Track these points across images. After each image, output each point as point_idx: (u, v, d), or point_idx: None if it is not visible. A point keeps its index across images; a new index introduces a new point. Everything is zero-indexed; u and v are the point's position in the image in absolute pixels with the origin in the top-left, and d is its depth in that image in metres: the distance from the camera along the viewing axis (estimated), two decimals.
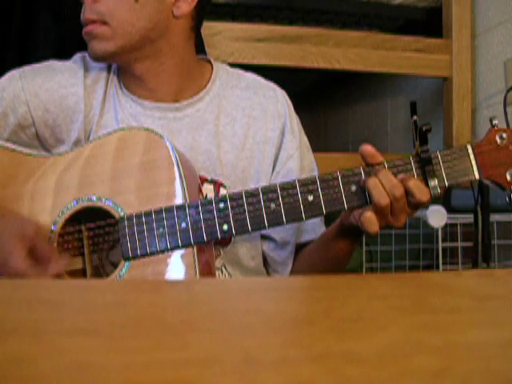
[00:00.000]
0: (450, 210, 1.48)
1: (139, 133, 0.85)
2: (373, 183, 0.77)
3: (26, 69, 0.96)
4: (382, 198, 0.77)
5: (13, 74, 0.95)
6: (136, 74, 0.94)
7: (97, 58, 0.92)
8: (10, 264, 0.73)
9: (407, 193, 0.77)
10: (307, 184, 0.80)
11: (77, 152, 0.87)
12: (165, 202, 0.82)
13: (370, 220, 0.78)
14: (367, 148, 0.80)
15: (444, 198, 1.46)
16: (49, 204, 0.84)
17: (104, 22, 0.88)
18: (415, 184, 0.77)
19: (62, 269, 0.76)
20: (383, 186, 0.77)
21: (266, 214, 0.80)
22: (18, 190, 0.86)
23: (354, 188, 0.80)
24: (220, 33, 1.50)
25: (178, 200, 0.81)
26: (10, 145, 0.89)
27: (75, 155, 0.86)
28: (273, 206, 0.80)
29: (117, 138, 0.85)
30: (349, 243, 0.89)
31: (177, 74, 0.96)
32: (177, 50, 0.95)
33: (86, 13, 0.90)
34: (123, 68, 0.96)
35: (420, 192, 0.77)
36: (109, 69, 0.98)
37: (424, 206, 0.80)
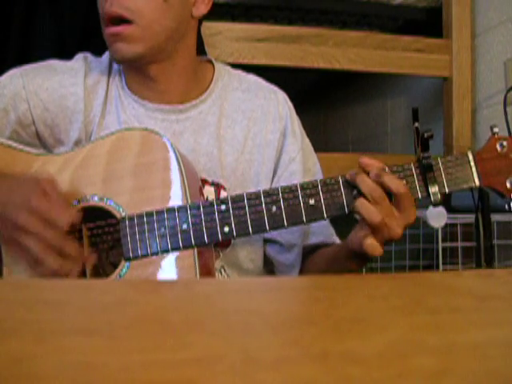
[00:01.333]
0: (450, 210, 1.48)
1: (142, 134, 0.85)
2: (360, 203, 0.77)
3: (27, 67, 0.96)
4: (373, 215, 0.77)
5: (14, 72, 0.95)
6: (149, 75, 0.94)
7: (123, 61, 0.91)
8: (33, 200, 0.76)
9: (389, 193, 0.78)
10: (308, 188, 0.81)
11: (78, 151, 0.87)
12: (166, 203, 0.82)
13: (372, 246, 0.78)
14: (364, 160, 0.80)
15: (444, 199, 1.46)
16: None
17: (130, 21, 0.86)
18: (389, 178, 0.77)
19: (70, 219, 0.78)
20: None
21: (267, 216, 0.80)
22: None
23: (354, 192, 0.80)
24: (220, 33, 1.50)
25: (180, 201, 0.81)
26: (12, 143, 0.89)
27: (77, 154, 0.86)
28: (274, 208, 0.80)
29: (120, 138, 0.85)
30: (359, 263, 0.88)
31: (185, 75, 0.96)
32: (189, 50, 0.96)
33: (113, 6, 0.86)
34: (133, 68, 0.95)
35: (394, 184, 0.77)
36: (110, 69, 0.98)
37: (412, 219, 0.80)
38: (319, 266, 0.97)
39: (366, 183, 0.78)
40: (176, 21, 0.90)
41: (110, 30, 0.87)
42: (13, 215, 0.76)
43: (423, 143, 0.80)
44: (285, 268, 0.99)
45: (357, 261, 0.86)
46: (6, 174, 0.83)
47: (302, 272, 0.99)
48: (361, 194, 0.79)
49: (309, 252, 0.99)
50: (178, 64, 0.94)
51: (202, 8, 0.94)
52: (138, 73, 0.95)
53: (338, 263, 0.90)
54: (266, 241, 0.98)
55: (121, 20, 0.86)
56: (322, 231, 0.99)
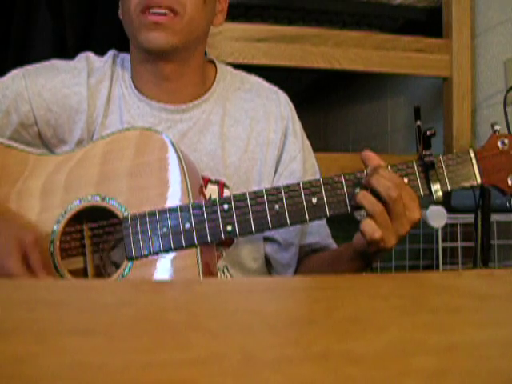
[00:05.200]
0: (450, 210, 1.48)
1: (143, 133, 0.85)
2: (361, 196, 0.78)
3: (30, 68, 0.96)
4: (372, 207, 0.77)
5: (16, 73, 0.95)
6: (164, 73, 0.94)
7: (156, 50, 0.89)
8: (6, 266, 0.75)
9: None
10: (311, 186, 0.81)
11: (80, 152, 0.87)
12: (168, 202, 0.82)
13: (369, 225, 0.76)
14: (367, 153, 0.81)
15: (444, 198, 1.47)
16: (52, 203, 0.84)
17: (175, 13, 0.87)
18: (376, 180, 0.77)
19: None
20: (377, 190, 0.77)
21: (269, 215, 0.81)
22: (21, 189, 0.86)
23: (357, 191, 0.80)
24: (220, 33, 1.50)
25: (183, 200, 0.82)
26: (12, 143, 0.90)
27: (79, 155, 0.87)
28: (277, 207, 0.81)
29: (121, 137, 0.85)
30: (361, 265, 0.88)
31: (196, 76, 0.97)
32: (202, 54, 0.98)
33: None
34: (146, 66, 0.94)
35: (382, 187, 0.77)
36: (113, 69, 0.98)
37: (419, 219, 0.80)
38: (318, 267, 0.97)
39: (368, 200, 0.78)
40: (206, 23, 0.94)
41: (152, 18, 0.86)
42: None
43: (425, 141, 0.81)
44: (280, 267, 0.99)
45: (360, 262, 0.86)
46: None
47: (297, 273, 0.99)
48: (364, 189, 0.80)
49: (305, 253, 0.99)
50: (192, 65, 0.96)
51: (220, 18, 0.98)
52: (151, 71, 0.94)
53: (340, 265, 0.90)
54: (265, 239, 0.98)
55: (164, 10, 0.86)
56: (319, 231, 0.99)
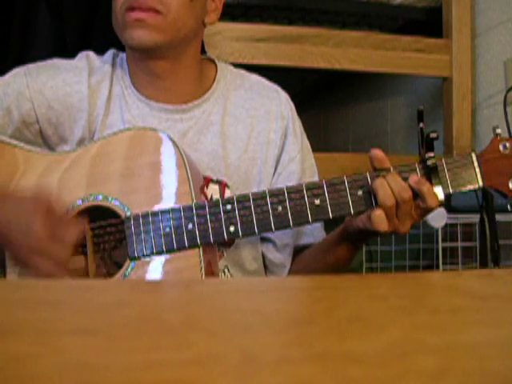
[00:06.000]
0: (451, 209, 1.48)
1: (147, 133, 0.85)
2: (379, 183, 0.79)
3: (31, 66, 0.96)
4: (387, 198, 0.78)
5: (17, 71, 0.95)
6: (156, 72, 0.94)
7: (139, 48, 0.90)
8: (34, 230, 0.75)
9: (416, 197, 0.79)
10: (314, 188, 0.81)
11: (81, 151, 0.87)
12: (172, 202, 0.82)
13: (380, 217, 0.78)
14: (377, 152, 0.81)
15: (448, 200, 1.47)
16: None
17: (158, 12, 0.87)
18: (429, 189, 0.78)
19: (76, 235, 0.78)
20: (391, 187, 0.78)
21: (272, 216, 0.81)
22: (20, 187, 0.85)
23: (360, 193, 0.81)
24: (220, 33, 1.50)
25: (185, 200, 0.82)
26: (13, 141, 0.89)
27: (80, 154, 0.87)
28: (280, 208, 0.81)
29: (124, 137, 0.86)
30: (350, 249, 0.89)
31: (190, 74, 0.97)
32: (195, 53, 0.98)
33: None
34: (139, 65, 0.95)
35: (431, 198, 0.78)
36: (113, 68, 0.98)
37: (430, 212, 0.82)
38: (308, 256, 0.97)
39: (385, 189, 0.79)
40: (195, 22, 0.93)
41: (134, 15, 0.86)
42: (18, 240, 0.76)
43: (428, 144, 0.81)
44: (275, 267, 0.99)
45: (349, 245, 0.88)
46: (5, 194, 0.82)
47: (291, 269, 0.99)
48: (367, 195, 0.80)
49: (297, 252, 1.00)
50: (184, 63, 0.95)
51: (213, 16, 0.97)
52: (144, 70, 0.95)
53: (329, 249, 0.91)
54: (261, 239, 0.98)
55: (148, 9, 0.86)
56: (313, 233, 0.99)
